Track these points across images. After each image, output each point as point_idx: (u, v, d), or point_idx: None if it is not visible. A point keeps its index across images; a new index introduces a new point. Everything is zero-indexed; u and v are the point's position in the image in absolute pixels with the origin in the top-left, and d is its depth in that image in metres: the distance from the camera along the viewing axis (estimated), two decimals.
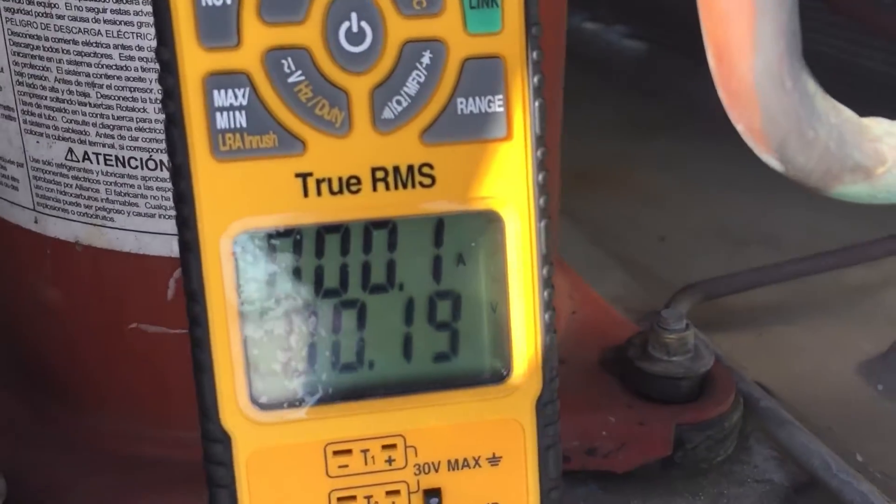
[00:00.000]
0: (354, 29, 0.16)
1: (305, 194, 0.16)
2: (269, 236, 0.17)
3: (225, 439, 0.17)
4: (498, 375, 0.18)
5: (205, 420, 0.17)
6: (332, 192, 0.17)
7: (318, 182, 0.16)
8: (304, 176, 0.16)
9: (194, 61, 0.16)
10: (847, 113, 0.16)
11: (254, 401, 0.17)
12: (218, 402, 0.17)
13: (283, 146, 0.16)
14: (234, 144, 0.16)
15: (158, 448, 0.23)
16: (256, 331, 0.17)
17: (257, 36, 0.16)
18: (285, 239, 0.17)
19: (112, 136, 0.24)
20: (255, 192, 0.16)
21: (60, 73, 0.23)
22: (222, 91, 0.16)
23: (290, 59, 0.16)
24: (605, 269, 0.47)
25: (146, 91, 0.22)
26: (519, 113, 0.17)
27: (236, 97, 0.16)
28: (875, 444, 0.34)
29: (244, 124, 0.16)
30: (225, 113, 0.16)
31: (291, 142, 0.16)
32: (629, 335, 0.33)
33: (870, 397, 0.36)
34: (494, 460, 0.18)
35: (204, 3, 0.16)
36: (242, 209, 0.16)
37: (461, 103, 0.17)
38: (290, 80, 0.16)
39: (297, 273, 0.17)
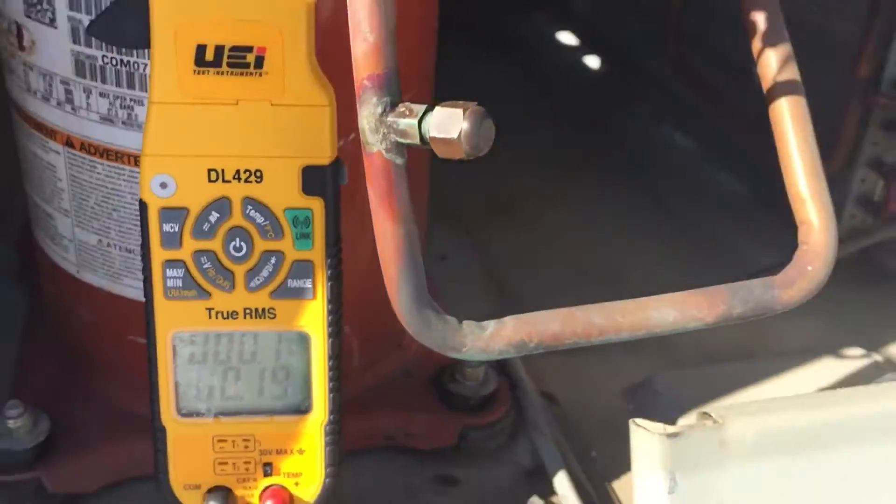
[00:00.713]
0: (237, 244, 0.33)
1: (210, 317, 0.34)
2: (192, 336, 0.34)
3: (162, 429, 0.35)
4: (305, 409, 0.35)
5: (154, 418, 0.35)
6: (223, 318, 0.34)
7: (218, 313, 0.34)
8: (209, 309, 0.34)
9: (158, 256, 0.33)
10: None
11: (178, 411, 0.35)
12: (160, 409, 0.34)
13: (199, 295, 0.33)
14: (175, 293, 0.33)
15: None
16: (182, 377, 0.35)
17: (189, 244, 0.33)
18: (197, 337, 0.34)
19: (124, 235, 0.41)
20: (185, 315, 0.34)
21: (97, 199, 0.40)
22: (170, 269, 0.33)
23: (204, 256, 0.33)
24: (478, 301, 0.63)
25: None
26: (320, 287, 0.34)
27: (177, 272, 0.33)
28: (611, 444, 0.50)
29: (180, 284, 0.33)
30: (171, 280, 0.33)
31: (203, 293, 0.33)
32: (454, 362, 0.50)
33: (624, 413, 0.53)
34: (301, 451, 0.36)
35: (165, 227, 0.33)
36: (180, 322, 0.34)
37: (290, 282, 0.34)
38: (205, 266, 0.33)
39: (205, 353, 0.34)
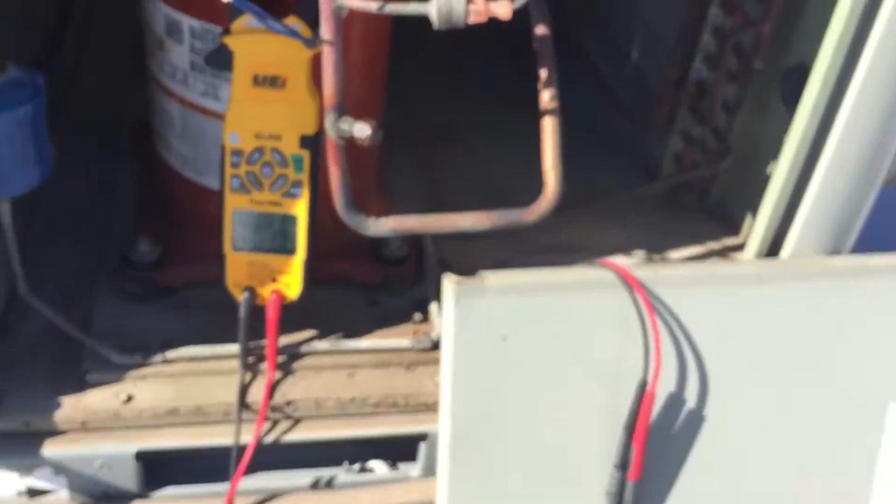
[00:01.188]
0: (267, 170, 0.68)
1: (250, 204, 0.69)
2: (241, 211, 0.70)
3: (223, 257, 0.71)
4: (293, 251, 0.71)
5: (221, 250, 0.71)
6: (257, 204, 0.69)
7: (254, 201, 0.69)
8: (251, 200, 0.69)
9: (227, 172, 0.68)
10: None
11: (232, 247, 0.71)
12: (224, 246, 0.70)
13: (245, 192, 0.69)
14: (234, 190, 0.69)
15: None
16: (235, 231, 0.71)
17: (243, 167, 0.68)
18: (244, 213, 0.70)
19: (207, 153, 0.76)
20: (238, 201, 0.69)
21: (194, 132, 0.76)
22: (233, 179, 0.68)
23: (250, 174, 0.68)
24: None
25: None
26: (305, 193, 0.69)
27: (237, 180, 0.69)
28: None
29: (237, 186, 0.69)
30: (233, 182, 0.69)
31: (247, 191, 0.69)
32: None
33: None
34: (290, 272, 0.72)
35: (233, 159, 0.68)
36: (236, 204, 0.70)
37: (292, 190, 0.69)
38: (249, 178, 0.68)
39: (247, 220, 0.70)
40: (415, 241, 0.86)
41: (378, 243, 0.84)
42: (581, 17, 1.18)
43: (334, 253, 0.80)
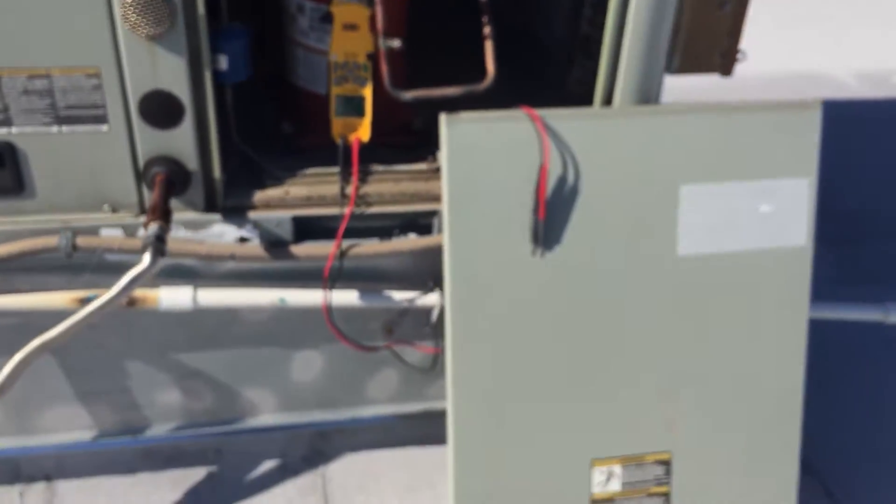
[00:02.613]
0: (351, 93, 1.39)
1: None
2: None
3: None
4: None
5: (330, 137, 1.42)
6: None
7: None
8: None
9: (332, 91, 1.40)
10: None
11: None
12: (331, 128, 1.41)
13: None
14: (334, 90, 1.40)
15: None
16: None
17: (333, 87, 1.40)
18: None
19: (319, 76, 1.48)
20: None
21: (308, 63, 1.47)
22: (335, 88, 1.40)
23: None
24: None
25: None
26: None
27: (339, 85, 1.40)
28: None
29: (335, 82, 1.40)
30: (335, 83, 1.40)
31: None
32: None
33: None
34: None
35: (335, 76, 1.39)
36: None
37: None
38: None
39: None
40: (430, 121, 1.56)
41: (409, 122, 1.54)
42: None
43: (385, 130, 1.50)
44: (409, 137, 1.54)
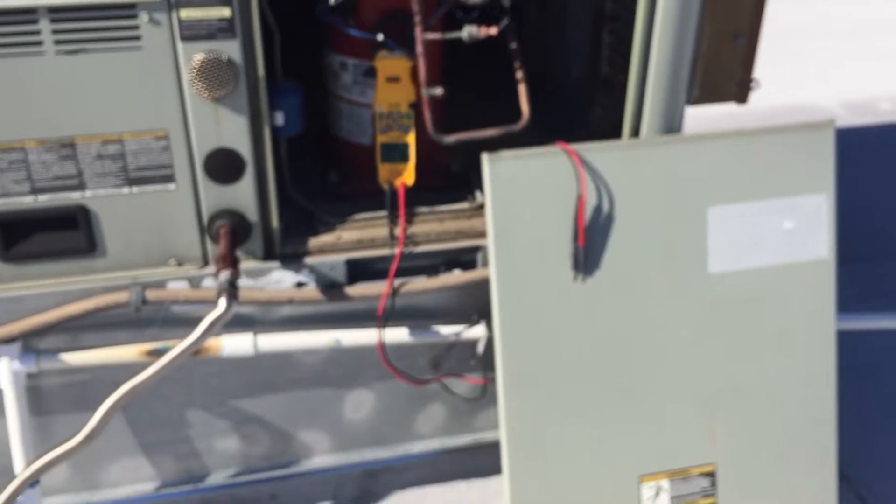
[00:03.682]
0: (394, 144, 1.49)
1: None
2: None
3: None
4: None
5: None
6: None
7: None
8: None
9: (377, 139, 1.49)
10: None
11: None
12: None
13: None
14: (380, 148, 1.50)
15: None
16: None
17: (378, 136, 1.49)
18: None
19: (364, 130, 1.57)
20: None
21: (350, 118, 1.57)
22: (381, 138, 1.50)
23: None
24: None
25: None
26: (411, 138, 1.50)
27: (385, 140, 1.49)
28: None
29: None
30: (380, 131, 1.50)
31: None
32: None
33: None
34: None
35: (379, 127, 1.48)
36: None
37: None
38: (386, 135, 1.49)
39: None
40: (468, 163, 1.65)
41: (446, 165, 1.63)
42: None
43: (425, 173, 1.59)
44: (447, 179, 1.63)
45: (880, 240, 2.85)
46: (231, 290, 1.24)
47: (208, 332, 1.23)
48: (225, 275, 1.26)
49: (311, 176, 1.62)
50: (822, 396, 1.62)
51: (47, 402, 1.51)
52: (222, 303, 1.24)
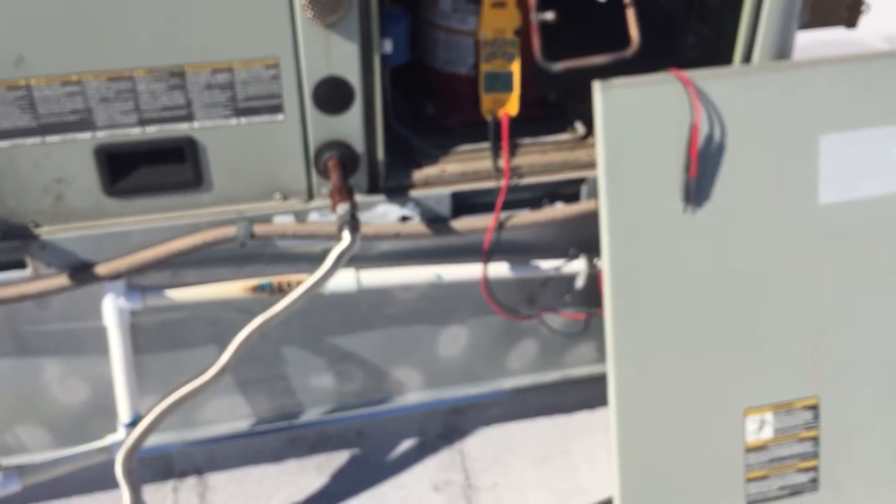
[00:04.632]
0: (499, 66, 1.44)
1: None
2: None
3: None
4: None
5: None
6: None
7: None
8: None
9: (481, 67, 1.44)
10: None
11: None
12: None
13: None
14: (483, 67, 1.45)
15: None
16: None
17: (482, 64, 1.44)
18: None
19: (463, 56, 1.52)
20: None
21: (449, 45, 1.52)
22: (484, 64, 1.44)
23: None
24: None
25: None
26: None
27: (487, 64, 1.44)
28: None
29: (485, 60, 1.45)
30: (483, 60, 1.45)
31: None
32: None
33: None
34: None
35: (484, 54, 1.43)
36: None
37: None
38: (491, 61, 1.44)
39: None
40: (566, 93, 1.61)
41: (543, 96, 1.59)
42: None
43: (524, 104, 1.55)
44: (545, 111, 1.58)
45: None
46: (353, 221, 1.21)
47: (336, 265, 1.21)
48: (344, 207, 1.23)
49: (406, 108, 1.58)
50: None
51: (145, 341, 1.50)
52: (346, 235, 1.21)
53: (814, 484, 1.60)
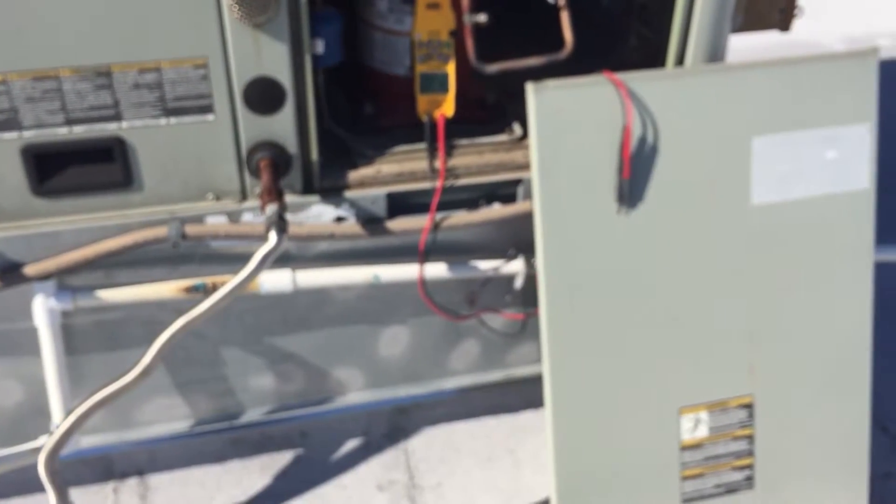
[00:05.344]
0: (431, 66, 1.45)
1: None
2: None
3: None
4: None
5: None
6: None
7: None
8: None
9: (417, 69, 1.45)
10: None
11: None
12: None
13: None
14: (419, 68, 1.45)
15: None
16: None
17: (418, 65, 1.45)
18: None
19: (396, 57, 1.52)
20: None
21: (384, 43, 1.52)
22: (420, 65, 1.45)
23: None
24: None
25: None
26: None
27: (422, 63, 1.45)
28: None
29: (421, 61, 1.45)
30: (420, 63, 1.45)
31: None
32: None
33: None
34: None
35: (419, 56, 1.44)
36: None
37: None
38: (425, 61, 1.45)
39: None
40: (505, 94, 1.61)
41: (482, 97, 1.59)
42: None
43: (461, 105, 1.55)
44: (483, 112, 1.59)
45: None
46: (280, 223, 1.21)
47: (261, 266, 1.21)
48: (273, 208, 1.23)
49: (343, 108, 1.58)
50: (859, 329, 1.61)
51: (78, 341, 1.49)
52: (273, 236, 1.21)
53: (749, 482, 1.62)
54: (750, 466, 1.61)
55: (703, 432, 1.59)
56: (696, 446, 1.59)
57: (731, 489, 1.61)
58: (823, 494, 1.66)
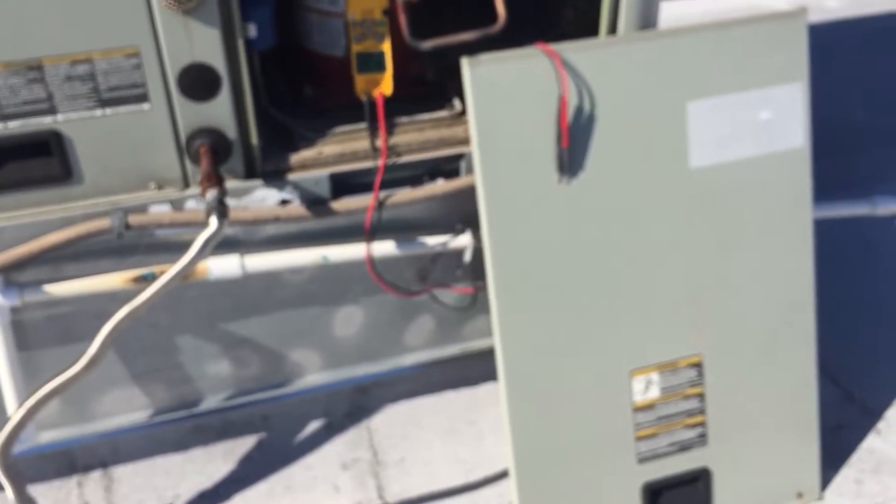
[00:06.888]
0: (367, 46, 1.45)
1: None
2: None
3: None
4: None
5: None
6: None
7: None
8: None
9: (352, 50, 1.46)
10: None
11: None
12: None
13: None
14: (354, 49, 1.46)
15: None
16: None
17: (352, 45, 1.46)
18: None
19: (333, 39, 1.53)
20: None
21: (321, 26, 1.53)
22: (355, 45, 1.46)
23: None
24: None
25: None
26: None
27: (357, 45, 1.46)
28: None
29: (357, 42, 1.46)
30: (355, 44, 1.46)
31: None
32: None
33: None
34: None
35: (354, 35, 1.45)
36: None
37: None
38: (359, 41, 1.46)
39: None
40: (444, 70, 1.63)
41: (421, 73, 1.60)
42: None
43: (401, 83, 1.56)
44: (423, 88, 1.60)
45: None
46: (221, 207, 1.22)
47: (202, 251, 1.22)
48: (212, 193, 1.24)
49: (283, 91, 1.59)
50: (801, 285, 1.65)
51: (31, 337, 1.49)
52: (213, 221, 1.22)
53: (702, 439, 1.66)
54: (702, 424, 1.65)
55: (654, 393, 1.62)
56: (648, 407, 1.62)
57: (684, 447, 1.65)
58: (775, 448, 1.70)
